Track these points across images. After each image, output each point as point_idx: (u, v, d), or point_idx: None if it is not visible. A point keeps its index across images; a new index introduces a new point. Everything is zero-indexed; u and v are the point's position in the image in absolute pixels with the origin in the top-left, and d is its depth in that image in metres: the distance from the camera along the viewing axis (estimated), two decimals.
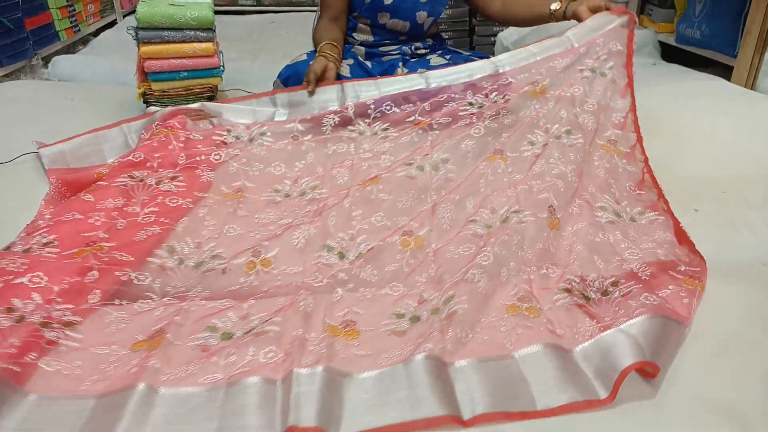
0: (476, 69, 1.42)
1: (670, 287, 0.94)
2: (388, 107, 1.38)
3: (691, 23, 2.34)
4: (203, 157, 1.29)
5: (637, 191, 1.21)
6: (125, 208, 1.13)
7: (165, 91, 1.69)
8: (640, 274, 0.98)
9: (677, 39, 2.48)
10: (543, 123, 1.29)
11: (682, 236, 1.08)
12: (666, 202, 1.17)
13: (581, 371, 0.81)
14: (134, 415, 0.71)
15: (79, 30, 2.84)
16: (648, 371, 0.80)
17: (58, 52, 2.58)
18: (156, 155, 1.28)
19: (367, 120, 1.38)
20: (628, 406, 0.77)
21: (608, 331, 0.85)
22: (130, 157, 1.27)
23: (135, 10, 1.64)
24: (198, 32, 1.66)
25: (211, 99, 1.70)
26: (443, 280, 0.99)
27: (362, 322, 0.91)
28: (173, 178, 1.23)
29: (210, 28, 1.68)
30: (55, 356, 0.81)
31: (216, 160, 1.29)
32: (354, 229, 1.11)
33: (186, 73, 1.68)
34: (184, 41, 1.65)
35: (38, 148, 1.38)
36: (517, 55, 1.43)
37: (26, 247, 0.99)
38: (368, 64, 1.56)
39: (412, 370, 0.77)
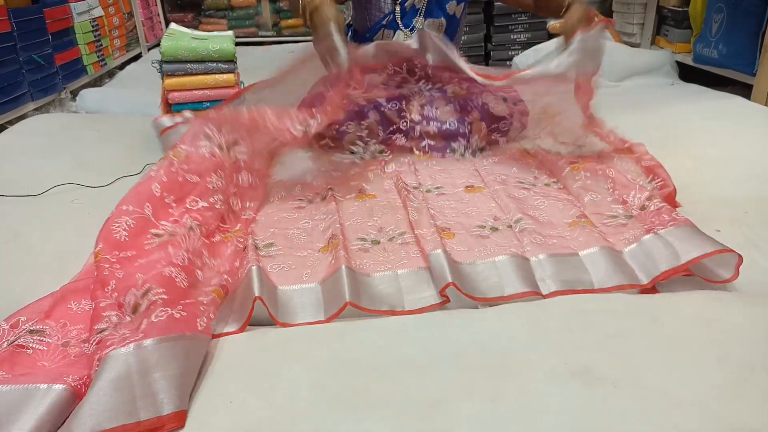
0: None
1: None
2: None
3: (708, 43, 2.34)
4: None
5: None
6: (301, 222, 1.26)
7: None
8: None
9: (695, 59, 2.48)
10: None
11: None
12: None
13: (629, 266, 1.06)
14: (351, 287, 0.98)
15: (105, 64, 2.93)
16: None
17: (85, 86, 2.67)
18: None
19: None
20: None
21: (648, 235, 1.09)
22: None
23: (159, 44, 1.69)
24: (220, 64, 1.71)
25: None
26: (507, 206, 1.25)
27: (454, 228, 1.19)
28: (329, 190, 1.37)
29: (231, 60, 1.73)
30: (268, 262, 1.09)
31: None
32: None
33: (209, 104, 1.73)
34: (206, 73, 1.71)
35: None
36: None
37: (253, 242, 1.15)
38: None
39: (500, 265, 1.05)
